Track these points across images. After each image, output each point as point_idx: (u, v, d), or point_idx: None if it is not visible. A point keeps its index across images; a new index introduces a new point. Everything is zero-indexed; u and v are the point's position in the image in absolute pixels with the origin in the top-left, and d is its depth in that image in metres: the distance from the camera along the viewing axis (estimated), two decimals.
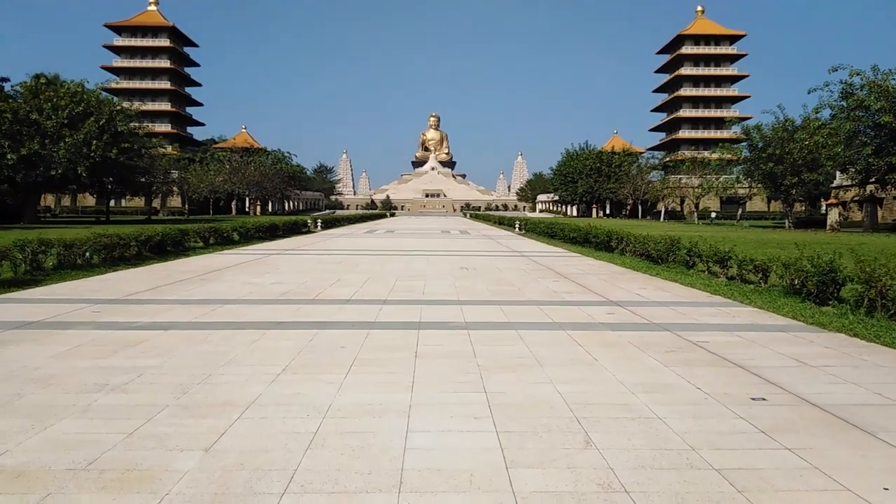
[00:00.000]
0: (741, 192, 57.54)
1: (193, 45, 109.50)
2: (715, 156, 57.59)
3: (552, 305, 9.48)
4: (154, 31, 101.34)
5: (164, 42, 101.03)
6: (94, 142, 42.91)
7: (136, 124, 53.92)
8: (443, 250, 22.01)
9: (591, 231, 21.54)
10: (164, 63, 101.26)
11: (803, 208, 72.29)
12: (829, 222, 40.75)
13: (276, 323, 7.81)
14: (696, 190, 63.15)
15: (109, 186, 54.09)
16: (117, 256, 15.68)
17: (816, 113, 37.38)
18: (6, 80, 48.42)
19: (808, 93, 37.14)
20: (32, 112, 43.01)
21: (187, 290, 10.79)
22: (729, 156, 54.01)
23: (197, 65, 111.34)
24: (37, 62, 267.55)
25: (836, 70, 35.67)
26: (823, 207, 76.19)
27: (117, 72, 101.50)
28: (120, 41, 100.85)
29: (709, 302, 9.90)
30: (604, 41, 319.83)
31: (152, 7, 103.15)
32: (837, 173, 53.41)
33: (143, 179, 56.38)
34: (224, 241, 23.66)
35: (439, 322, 8.02)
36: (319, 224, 40.36)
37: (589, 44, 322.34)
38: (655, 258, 15.97)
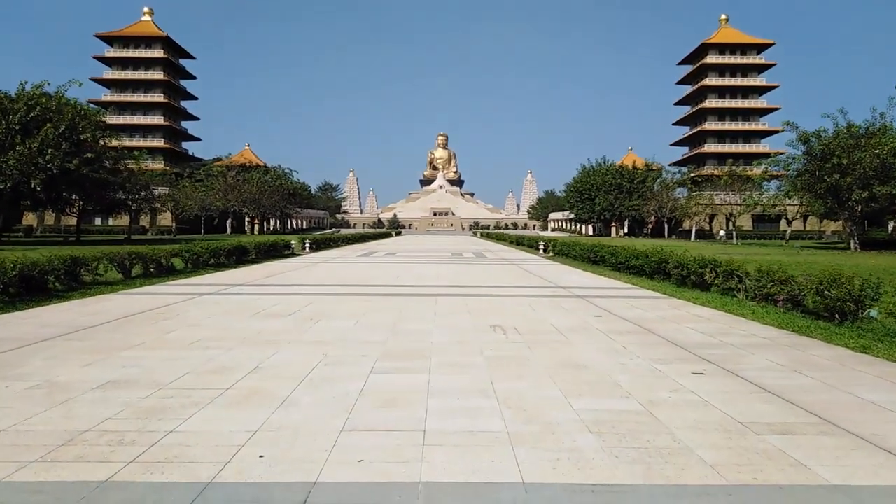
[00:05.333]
0: (790, 208, 50.94)
1: (190, 56, 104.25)
2: (758, 170, 51.04)
3: None
4: (147, 41, 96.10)
5: (157, 53, 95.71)
6: (50, 150, 36.97)
7: (110, 134, 48.19)
8: (456, 285, 15.61)
9: (670, 259, 15.07)
10: (158, 75, 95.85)
11: (841, 226, 65.37)
12: None
13: None
14: (737, 207, 56.40)
15: (80, 203, 48.28)
16: None
17: None
18: None
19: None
20: None
21: None
22: (776, 171, 47.62)
23: (193, 77, 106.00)
24: (30, 74, 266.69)
25: None
26: (865, 225, 69.32)
27: (108, 84, 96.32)
28: (111, 52, 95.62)
29: None
30: (616, 54, 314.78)
31: (146, 17, 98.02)
32: None
33: (119, 196, 50.27)
34: (161, 270, 17.41)
35: None
36: (308, 245, 34.14)
37: (600, 58, 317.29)
38: (817, 312, 9.57)
